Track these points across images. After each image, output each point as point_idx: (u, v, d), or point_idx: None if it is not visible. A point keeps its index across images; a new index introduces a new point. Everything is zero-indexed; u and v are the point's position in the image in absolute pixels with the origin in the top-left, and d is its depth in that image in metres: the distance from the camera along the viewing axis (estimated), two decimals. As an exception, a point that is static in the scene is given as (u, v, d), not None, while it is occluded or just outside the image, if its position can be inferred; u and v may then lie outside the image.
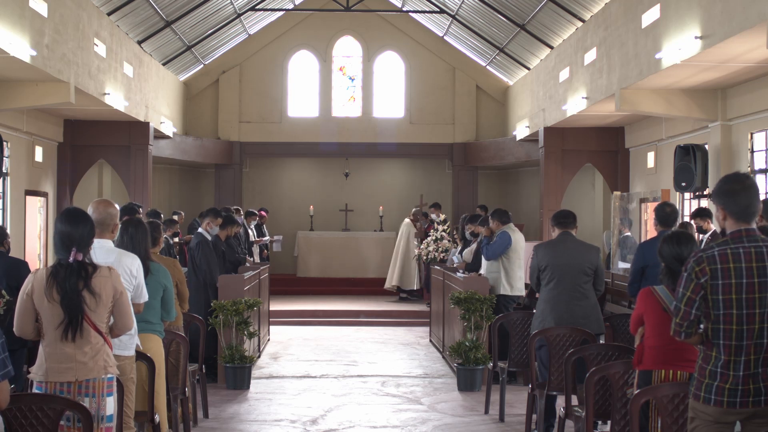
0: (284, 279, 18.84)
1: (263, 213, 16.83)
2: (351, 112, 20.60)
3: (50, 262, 5.05)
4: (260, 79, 20.27)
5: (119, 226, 5.29)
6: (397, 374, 10.29)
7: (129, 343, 5.11)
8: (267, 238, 16.40)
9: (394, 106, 20.55)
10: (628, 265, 11.55)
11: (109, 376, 4.41)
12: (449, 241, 14.68)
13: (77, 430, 4.19)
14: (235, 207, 15.80)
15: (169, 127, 17.14)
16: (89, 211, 5.01)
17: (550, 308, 6.97)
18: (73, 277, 4.31)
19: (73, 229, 4.38)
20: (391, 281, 17.21)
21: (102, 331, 4.40)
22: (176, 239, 11.99)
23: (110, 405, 4.40)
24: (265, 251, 16.15)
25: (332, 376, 10.17)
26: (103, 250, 4.99)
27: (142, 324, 5.66)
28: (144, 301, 5.23)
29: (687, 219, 12.21)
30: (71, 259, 4.34)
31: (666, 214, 7.26)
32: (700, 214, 9.60)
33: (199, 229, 9.86)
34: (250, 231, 15.03)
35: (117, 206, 5.24)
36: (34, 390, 4.39)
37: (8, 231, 12.59)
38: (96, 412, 4.31)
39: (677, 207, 8.79)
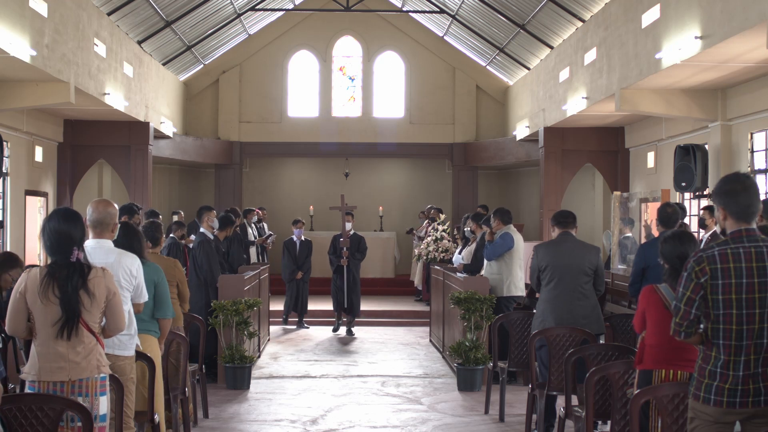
0: (284, 279, 18.79)
1: (259, 211, 16.61)
2: (351, 112, 20.60)
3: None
4: (260, 79, 20.27)
5: (118, 225, 5.27)
6: (397, 374, 10.28)
7: (129, 344, 5.10)
8: (271, 234, 16.15)
9: (394, 106, 20.56)
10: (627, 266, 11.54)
11: (102, 375, 4.40)
12: (449, 241, 14.68)
13: (71, 430, 4.18)
14: (247, 208, 15.75)
15: (169, 127, 17.14)
16: (88, 211, 5.00)
17: (551, 308, 6.97)
18: (75, 276, 4.29)
19: (72, 228, 4.36)
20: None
21: (94, 331, 4.40)
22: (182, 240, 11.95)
23: (103, 404, 4.39)
24: (268, 245, 15.67)
25: (332, 376, 10.17)
26: (102, 250, 4.97)
27: (137, 324, 5.64)
28: (144, 301, 5.22)
29: (687, 218, 12.22)
30: (74, 258, 4.32)
31: (667, 214, 7.26)
32: (710, 209, 9.58)
33: (201, 229, 9.85)
34: (249, 229, 14.97)
35: (116, 206, 5.23)
36: (27, 390, 4.38)
37: (8, 230, 12.58)
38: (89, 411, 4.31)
39: (678, 208, 8.76)
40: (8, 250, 12.84)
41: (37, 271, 4.36)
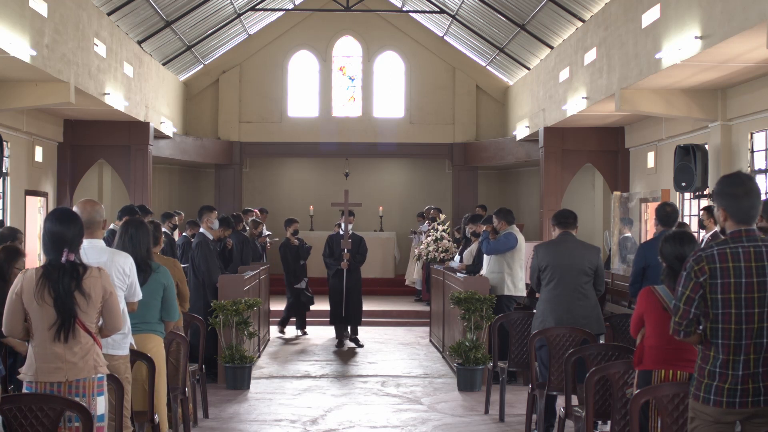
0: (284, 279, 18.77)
1: (257, 211, 16.46)
2: (351, 112, 20.60)
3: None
4: (260, 79, 20.27)
5: (107, 221, 5.26)
6: (397, 374, 10.28)
7: (122, 343, 5.08)
8: (268, 233, 15.92)
9: (394, 106, 20.56)
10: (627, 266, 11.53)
11: (99, 375, 4.40)
12: (449, 241, 14.68)
13: (69, 431, 4.18)
14: (246, 208, 15.61)
15: (169, 127, 17.14)
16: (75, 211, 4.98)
17: (551, 308, 6.97)
18: (66, 278, 4.29)
19: (65, 229, 4.35)
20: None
21: (91, 332, 4.39)
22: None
23: (101, 405, 4.39)
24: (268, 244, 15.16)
25: (332, 376, 10.17)
26: (95, 250, 4.96)
27: (142, 324, 5.63)
28: (138, 300, 5.20)
29: (687, 218, 12.22)
30: (63, 259, 4.31)
31: (666, 213, 7.26)
32: (709, 210, 9.57)
33: (201, 229, 9.84)
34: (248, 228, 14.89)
35: (102, 205, 5.23)
36: (24, 390, 4.37)
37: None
38: None
39: (677, 207, 8.78)
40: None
41: (33, 272, 4.35)
